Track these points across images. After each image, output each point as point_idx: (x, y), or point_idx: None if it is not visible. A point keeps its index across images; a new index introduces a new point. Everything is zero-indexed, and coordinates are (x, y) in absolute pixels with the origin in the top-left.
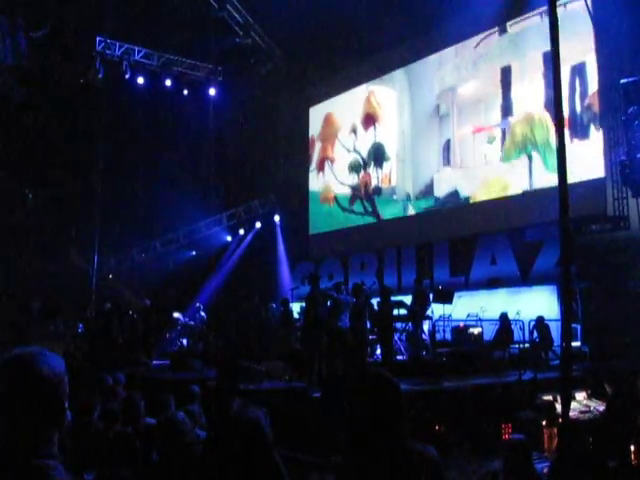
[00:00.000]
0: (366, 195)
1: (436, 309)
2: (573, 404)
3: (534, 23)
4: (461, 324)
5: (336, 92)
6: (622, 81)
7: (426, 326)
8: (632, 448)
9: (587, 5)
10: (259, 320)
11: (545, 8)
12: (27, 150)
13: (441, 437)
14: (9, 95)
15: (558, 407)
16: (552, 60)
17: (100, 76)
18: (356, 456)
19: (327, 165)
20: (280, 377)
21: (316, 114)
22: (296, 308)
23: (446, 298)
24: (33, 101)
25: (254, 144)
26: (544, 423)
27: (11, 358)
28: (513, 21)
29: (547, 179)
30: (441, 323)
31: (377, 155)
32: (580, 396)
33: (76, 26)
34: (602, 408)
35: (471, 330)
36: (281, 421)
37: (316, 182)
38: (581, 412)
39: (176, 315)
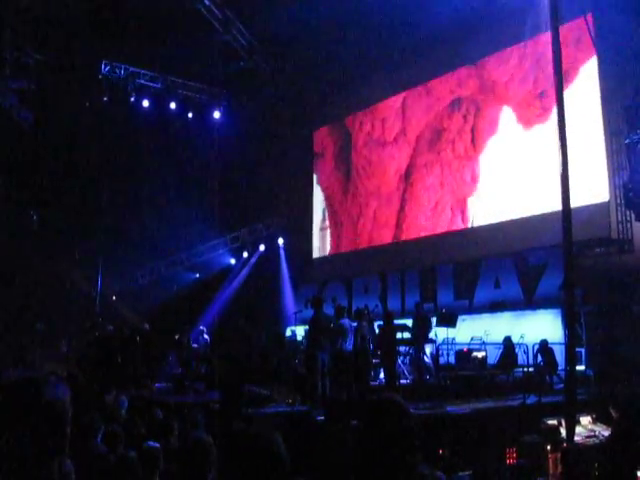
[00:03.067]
0: None
1: (440, 333)
2: (578, 429)
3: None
4: (465, 348)
5: (340, 116)
6: (626, 104)
7: (429, 350)
8: (639, 474)
9: (589, 29)
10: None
11: None
12: (32, 171)
13: (445, 461)
14: (15, 117)
15: (563, 431)
16: (555, 84)
17: (105, 99)
18: None
19: None
20: (284, 401)
21: (320, 137)
22: (300, 332)
23: (450, 322)
24: (39, 123)
25: (258, 167)
26: (549, 448)
27: (18, 382)
28: None
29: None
30: (445, 347)
31: None
32: (585, 420)
33: (82, 49)
34: (607, 433)
35: (475, 354)
36: (285, 445)
37: None
38: (586, 437)
39: (177, 337)
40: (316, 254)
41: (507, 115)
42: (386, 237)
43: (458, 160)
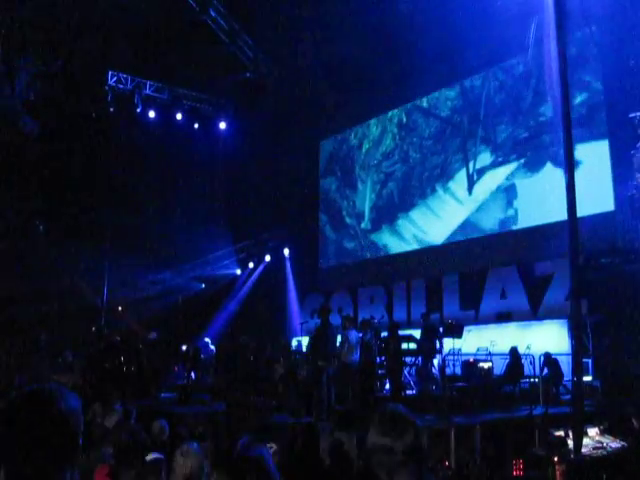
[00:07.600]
0: None
1: (446, 343)
2: (585, 440)
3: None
4: (471, 358)
5: (346, 126)
6: (630, 115)
7: (436, 360)
8: None
9: (594, 40)
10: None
11: None
12: (38, 181)
13: (451, 473)
14: (21, 127)
15: (570, 443)
16: (560, 94)
17: (111, 109)
18: None
19: None
20: (289, 411)
21: (326, 148)
22: (305, 342)
23: (456, 332)
24: (45, 134)
25: (264, 177)
26: (556, 459)
27: (30, 393)
28: None
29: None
30: (451, 357)
31: None
32: (592, 432)
33: (88, 60)
34: (615, 444)
35: (481, 364)
36: (290, 455)
37: None
38: (594, 448)
39: (185, 348)
40: (322, 264)
41: None
42: (392, 247)
43: None
